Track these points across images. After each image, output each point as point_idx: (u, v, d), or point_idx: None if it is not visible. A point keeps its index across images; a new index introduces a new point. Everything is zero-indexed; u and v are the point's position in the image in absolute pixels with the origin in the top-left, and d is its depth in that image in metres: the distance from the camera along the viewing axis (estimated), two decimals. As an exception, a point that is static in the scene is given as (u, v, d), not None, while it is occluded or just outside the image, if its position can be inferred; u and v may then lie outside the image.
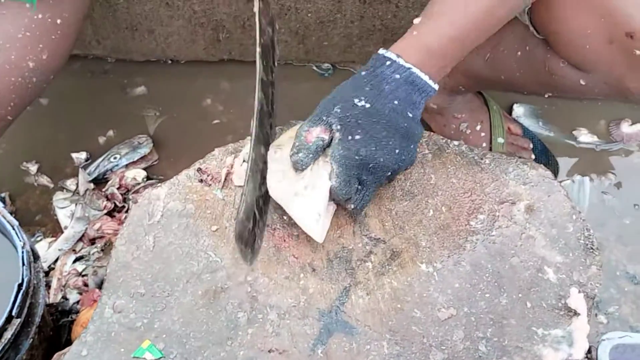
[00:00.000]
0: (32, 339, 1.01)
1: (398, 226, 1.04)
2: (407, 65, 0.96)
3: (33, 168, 1.61)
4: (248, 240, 0.95)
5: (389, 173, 0.98)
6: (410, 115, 0.97)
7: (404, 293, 0.98)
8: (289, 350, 0.94)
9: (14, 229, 1.01)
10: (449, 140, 1.13)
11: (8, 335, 0.94)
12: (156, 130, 1.68)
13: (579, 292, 0.97)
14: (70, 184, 1.57)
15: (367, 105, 0.95)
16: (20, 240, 0.99)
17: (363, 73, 0.98)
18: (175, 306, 0.98)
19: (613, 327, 1.36)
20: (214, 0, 1.57)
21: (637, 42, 1.02)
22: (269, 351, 0.94)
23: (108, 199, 1.51)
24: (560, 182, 1.53)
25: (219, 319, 0.96)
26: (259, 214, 0.98)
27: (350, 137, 0.95)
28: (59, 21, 1.19)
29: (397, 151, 0.96)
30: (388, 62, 0.97)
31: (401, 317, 0.96)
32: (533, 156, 1.53)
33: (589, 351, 1.25)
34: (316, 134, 0.96)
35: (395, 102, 0.95)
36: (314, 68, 1.77)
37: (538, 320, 0.96)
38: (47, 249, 1.44)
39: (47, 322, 1.14)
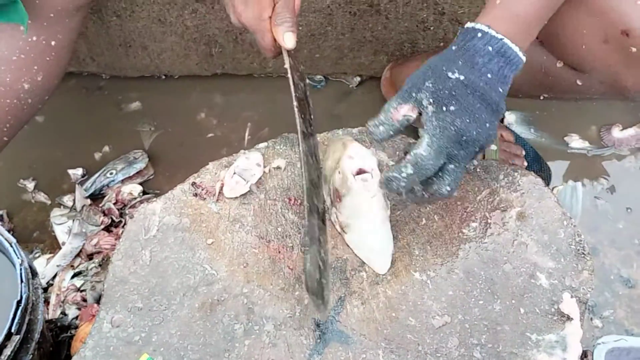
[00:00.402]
0: (31, 355, 1.01)
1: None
2: (499, 36, 0.92)
3: (30, 185, 1.63)
4: (318, 291, 0.94)
5: (477, 149, 0.92)
6: (501, 90, 0.92)
7: (398, 302, 0.99)
8: (285, 360, 0.95)
9: (12, 246, 1.01)
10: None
11: (8, 352, 0.94)
12: (151, 145, 1.69)
13: (572, 297, 0.98)
14: (67, 200, 1.58)
15: (462, 77, 0.90)
16: (18, 258, 1.00)
17: (453, 48, 0.94)
18: (172, 319, 0.99)
19: (608, 330, 1.37)
20: (206, 16, 1.58)
21: (633, 39, 1.02)
22: (266, 362, 0.95)
23: (105, 214, 1.51)
24: (553, 187, 1.55)
25: (216, 331, 0.97)
26: (323, 266, 0.96)
27: (444, 109, 0.90)
28: (53, 43, 1.20)
29: (487, 125, 0.91)
30: (479, 34, 0.92)
31: (396, 325, 0.97)
32: (525, 163, 1.53)
33: (585, 355, 1.26)
34: (404, 112, 0.92)
35: (489, 75, 0.91)
36: (307, 80, 1.78)
37: (532, 326, 0.97)
38: (45, 265, 1.44)
39: (47, 338, 1.15)
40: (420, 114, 0.92)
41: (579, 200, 1.55)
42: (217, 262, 1.04)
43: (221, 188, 1.10)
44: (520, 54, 0.93)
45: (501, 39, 0.91)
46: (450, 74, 0.91)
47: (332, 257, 1.03)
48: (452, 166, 0.91)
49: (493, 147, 1.51)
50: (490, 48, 0.92)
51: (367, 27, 1.60)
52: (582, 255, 1.02)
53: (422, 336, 0.96)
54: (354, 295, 1.00)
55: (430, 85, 0.91)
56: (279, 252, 1.03)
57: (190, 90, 1.79)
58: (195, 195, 1.10)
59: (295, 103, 1.03)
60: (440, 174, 0.92)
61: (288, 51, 1.05)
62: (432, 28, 1.59)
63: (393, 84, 1.65)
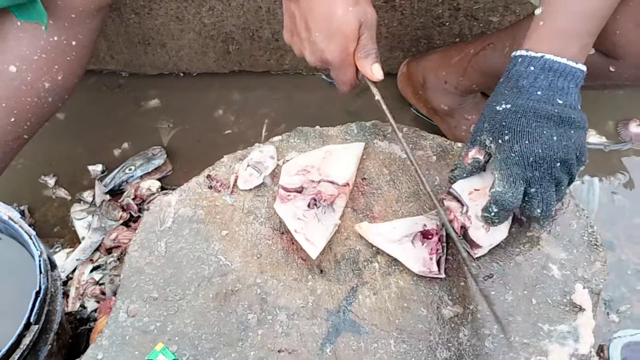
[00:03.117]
0: (50, 346, 1.03)
1: (404, 227, 1.06)
2: (538, 54, 0.93)
3: (51, 181, 1.65)
4: None
5: (558, 164, 0.92)
6: (560, 101, 0.92)
7: (410, 292, 0.99)
8: (298, 350, 0.96)
9: (31, 238, 1.04)
10: (453, 142, 1.15)
11: (27, 341, 0.96)
12: (170, 142, 1.71)
13: (584, 287, 0.98)
14: (87, 195, 1.61)
15: (509, 106, 0.93)
16: (37, 250, 1.02)
17: (501, 80, 0.97)
18: (187, 309, 1.00)
19: (625, 325, 1.37)
20: (223, 13, 1.60)
21: None
22: (279, 351, 0.96)
23: (124, 210, 1.54)
24: (569, 182, 1.54)
25: (230, 320, 0.99)
26: None
27: (500, 141, 0.93)
28: (74, 43, 1.22)
29: (554, 138, 0.91)
30: (520, 59, 0.94)
31: (407, 315, 0.98)
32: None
33: (602, 349, 1.26)
34: (472, 155, 0.97)
35: (539, 92, 0.92)
36: (323, 77, 1.79)
37: (543, 317, 0.97)
38: (65, 259, 1.47)
39: (66, 330, 1.17)
40: (490, 154, 0.96)
41: (596, 195, 1.55)
42: (231, 253, 1.05)
43: (235, 180, 1.11)
44: (571, 63, 0.93)
45: (542, 56, 0.93)
46: (498, 107, 0.94)
47: (344, 248, 1.04)
48: (533, 190, 0.92)
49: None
50: (532, 68, 0.93)
51: (382, 23, 1.60)
52: (595, 247, 1.02)
53: (433, 326, 0.97)
54: (366, 285, 1.00)
55: (487, 124, 0.95)
56: (292, 243, 1.04)
57: (208, 88, 1.80)
58: (210, 187, 1.12)
59: (400, 134, 1.03)
60: (527, 199, 0.93)
61: (375, 83, 1.05)
62: (447, 24, 1.59)
63: (410, 79, 1.65)
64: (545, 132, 0.91)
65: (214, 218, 1.08)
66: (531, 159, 0.91)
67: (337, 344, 0.96)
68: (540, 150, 0.91)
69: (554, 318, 0.97)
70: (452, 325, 0.97)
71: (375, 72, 1.03)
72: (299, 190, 1.06)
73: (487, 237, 0.99)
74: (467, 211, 0.98)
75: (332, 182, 1.07)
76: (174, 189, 1.57)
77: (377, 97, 1.05)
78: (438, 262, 1.00)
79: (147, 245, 1.06)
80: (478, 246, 0.99)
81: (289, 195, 1.06)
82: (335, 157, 1.10)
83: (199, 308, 1.00)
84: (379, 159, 1.14)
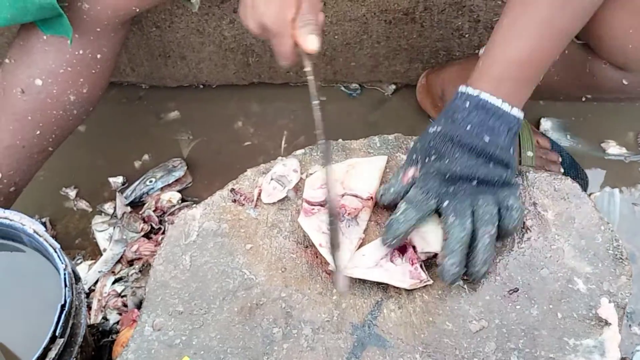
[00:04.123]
0: (74, 359, 1.03)
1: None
2: (475, 92, 0.98)
3: (72, 193, 1.66)
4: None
5: (475, 182, 0.97)
6: (487, 139, 0.97)
7: (435, 306, 0.99)
8: (323, 364, 0.96)
9: (55, 251, 1.04)
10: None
11: (52, 354, 0.97)
12: (190, 154, 1.72)
13: (610, 301, 0.98)
14: (108, 207, 1.62)
15: (439, 129, 0.99)
16: (62, 263, 1.02)
17: (442, 110, 1.03)
18: (212, 323, 1.00)
19: (648, 338, 1.36)
20: (243, 26, 1.60)
21: None
22: (305, 365, 0.96)
23: (145, 222, 1.54)
24: (590, 194, 1.54)
25: (255, 334, 0.99)
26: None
27: (427, 160, 0.99)
28: (99, 56, 1.24)
29: (473, 162, 0.97)
30: (460, 94, 1.00)
31: (433, 329, 0.97)
32: (562, 170, 1.53)
33: (624, 362, 1.25)
34: (410, 174, 1.02)
35: (468, 127, 0.97)
36: (342, 88, 1.80)
37: (569, 331, 0.96)
38: (87, 271, 1.48)
39: (89, 343, 1.17)
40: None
41: (617, 206, 1.54)
42: (255, 266, 1.05)
43: (259, 194, 1.12)
44: (505, 106, 0.97)
45: (477, 95, 0.98)
46: (430, 129, 1.01)
47: (369, 262, 1.04)
48: (446, 202, 0.98)
49: (529, 153, 1.51)
50: (467, 103, 0.99)
51: (402, 35, 1.61)
52: (620, 260, 1.01)
53: (459, 340, 0.96)
54: (391, 299, 1.00)
55: (419, 144, 1.02)
56: (317, 257, 1.05)
57: (228, 99, 1.81)
58: (234, 201, 1.12)
59: (317, 102, 1.04)
60: (444, 216, 0.98)
61: (309, 56, 1.01)
62: (467, 35, 1.60)
63: (429, 90, 1.65)
64: (465, 157, 0.97)
65: (238, 232, 1.09)
66: (447, 175, 0.97)
67: (362, 359, 0.96)
68: (458, 169, 0.97)
69: (580, 332, 0.96)
70: (478, 339, 0.96)
71: (310, 42, 0.97)
72: (323, 204, 1.06)
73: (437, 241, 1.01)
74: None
75: (356, 196, 1.07)
76: (194, 201, 1.60)
77: (307, 68, 1.01)
78: (422, 267, 1.01)
79: (172, 259, 1.07)
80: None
81: (312, 209, 1.06)
82: (358, 171, 1.11)
83: (224, 322, 1.00)
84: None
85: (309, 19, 0.98)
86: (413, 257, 1.01)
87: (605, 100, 1.60)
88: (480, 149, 0.96)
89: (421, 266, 1.01)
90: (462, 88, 1.00)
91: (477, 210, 0.97)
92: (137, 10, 1.23)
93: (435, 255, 1.00)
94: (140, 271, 1.46)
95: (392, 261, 1.02)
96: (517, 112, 0.98)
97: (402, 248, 1.02)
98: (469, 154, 0.97)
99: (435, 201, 0.98)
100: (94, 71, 1.24)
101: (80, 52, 1.21)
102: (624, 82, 1.14)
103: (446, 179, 0.97)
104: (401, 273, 1.00)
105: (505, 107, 0.97)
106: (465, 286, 1.00)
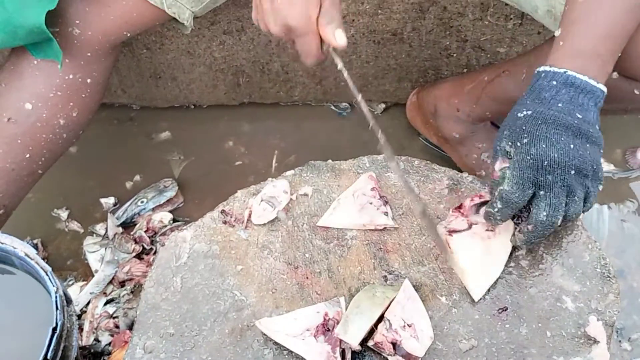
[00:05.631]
0: (66, 381, 1.04)
1: (417, 261, 1.06)
2: (561, 70, 0.95)
3: (64, 214, 1.67)
4: None
5: (572, 171, 0.93)
6: (580, 116, 0.94)
7: (425, 326, 1.00)
8: (314, 385, 0.96)
9: (47, 274, 1.04)
10: (464, 175, 1.16)
11: (43, 378, 0.97)
12: (181, 174, 1.73)
13: (598, 320, 0.98)
14: (99, 228, 1.62)
15: (529, 112, 0.95)
16: (53, 286, 1.02)
17: (524, 93, 0.99)
18: (203, 345, 1.01)
19: (637, 353, 1.37)
20: (233, 47, 1.62)
21: None
22: (295, 387, 0.96)
23: (136, 242, 1.55)
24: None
25: (246, 356, 0.99)
26: None
27: (519, 144, 0.94)
28: (89, 80, 1.24)
29: (571, 146, 0.93)
30: (543, 74, 0.97)
31: (423, 349, 0.98)
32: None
33: (615, 378, 1.26)
34: (498, 166, 0.98)
35: (559, 104, 0.94)
36: (332, 107, 1.81)
37: (558, 349, 0.97)
38: (78, 292, 1.48)
39: (81, 364, 1.17)
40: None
41: (605, 223, 1.55)
42: (246, 288, 1.06)
43: (249, 215, 1.12)
44: (592, 81, 0.95)
45: (564, 72, 0.95)
46: (519, 114, 0.96)
47: (358, 282, 1.05)
48: (542, 192, 0.94)
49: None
50: (554, 82, 0.95)
51: (390, 55, 1.62)
52: (608, 278, 1.02)
53: (449, 360, 0.97)
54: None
55: (507, 131, 0.97)
56: (307, 277, 1.05)
57: (218, 119, 1.82)
58: (225, 222, 1.13)
59: (359, 96, 1.03)
60: (535, 202, 0.95)
61: (338, 52, 1.02)
62: (455, 55, 1.61)
63: (420, 107, 1.66)
64: (563, 139, 0.93)
65: (229, 253, 1.09)
66: (545, 162, 0.92)
67: (353, 379, 0.96)
68: (555, 155, 0.92)
69: (569, 351, 0.97)
70: (468, 358, 0.97)
71: (338, 37, 1.00)
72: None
73: (420, 345, 0.96)
74: (391, 326, 0.96)
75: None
76: (185, 221, 1.60)
77: (340, 66, 1.03)
78: (342, 354, 0.97)
79: (163, 281, 1.07)
80: (416, 357, 0.95)
81: None
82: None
83: (215, 344, 1.01)
84: (391, 192, 1.15)
85: (334, 15, 1.00)
86: (337, 340, 0.96)
87: (612, 111, 1.60)
88: (576, 127, 0.93)
89: (342, 352, 0.97)
90: (542, 68, 0.97)
91: (568, 209, 0.96)
92: (128, 35, 1.24)
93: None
94: (132, 292, 1.46)
95: (314, 337, 0.98)
96: (603, 87, 0.96)
97: (326, 324, 0.98)
98: (565, 134, 0.93)
99: (532, 191, 0.94)
100: (84, 95, 1.25)
101: (71, 76, 1.21)
102: (636, 91, 1.15)
103: (544, 166, 0.93)
104: (319, 353, 0.96)
105: (592, 82, 0.95)
106: (455, 306, 1.01)
